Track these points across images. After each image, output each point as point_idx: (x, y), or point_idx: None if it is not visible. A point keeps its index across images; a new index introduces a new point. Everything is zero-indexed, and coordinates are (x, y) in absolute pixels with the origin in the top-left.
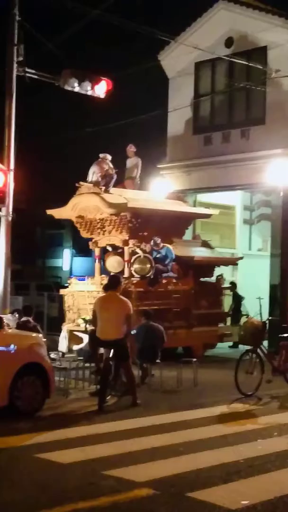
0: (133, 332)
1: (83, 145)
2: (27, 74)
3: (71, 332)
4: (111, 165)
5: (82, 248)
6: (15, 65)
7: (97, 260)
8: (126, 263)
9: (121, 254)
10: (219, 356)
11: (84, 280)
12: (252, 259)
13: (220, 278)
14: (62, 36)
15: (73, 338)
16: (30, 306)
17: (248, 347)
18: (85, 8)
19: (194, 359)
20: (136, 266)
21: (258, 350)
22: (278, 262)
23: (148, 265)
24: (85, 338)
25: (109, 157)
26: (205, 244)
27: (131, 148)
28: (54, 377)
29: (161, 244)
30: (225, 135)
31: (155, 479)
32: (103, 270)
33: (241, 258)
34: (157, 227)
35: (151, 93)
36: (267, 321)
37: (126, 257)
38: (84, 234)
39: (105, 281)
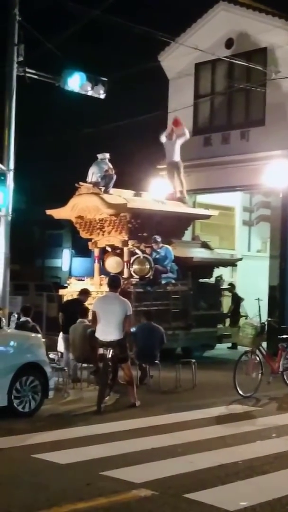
0: (133, 329)
1: (83, 145)
2: (27, 74)
3: None
4: (110, 166)
5: (82, 248)
6: (15, 65)
7: (96, 261)
8: (125, 264)
9: (121, 255)
10: (218, 357)
11: (83, 280)
12: (251, 260)
13: (219, 279)
14: (63, 36)
15: None
16: (29, 307)
17: (247, 348)
18: (85, 8)
19: (193, 360)
20: (135, 266)
21: (257, 351)
22: (277, 264)
23: (148, 266)
24: None
25: (108, 156)
26: (205, 245)
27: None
28: (53, 378)
29: (161, 244)
30: (225, 136)
31: (153, 480)
32: (102, 271)
33: (240, 259)
34: (156, 228)
35: (151, 94)
36: (266, 322)
37: (126, 257)
38: (84, 234)
39: (104, 282)
